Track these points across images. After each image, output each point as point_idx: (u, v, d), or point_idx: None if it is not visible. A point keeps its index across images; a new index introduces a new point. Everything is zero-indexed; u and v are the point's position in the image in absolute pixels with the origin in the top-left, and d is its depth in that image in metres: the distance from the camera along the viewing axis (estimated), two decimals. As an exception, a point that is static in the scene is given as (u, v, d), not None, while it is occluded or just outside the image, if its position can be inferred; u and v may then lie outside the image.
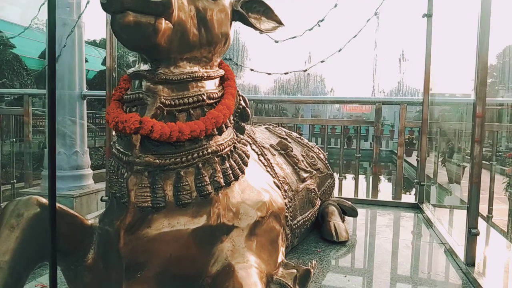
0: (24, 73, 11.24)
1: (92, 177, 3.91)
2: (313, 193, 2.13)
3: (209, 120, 1.26)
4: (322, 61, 3.21)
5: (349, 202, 2.49)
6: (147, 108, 1.17)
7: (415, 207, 3.03)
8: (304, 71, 3.40)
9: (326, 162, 2.53)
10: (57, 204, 1.27)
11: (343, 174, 3.54)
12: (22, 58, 12.70)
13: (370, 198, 3.32)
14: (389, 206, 3.10)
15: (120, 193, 1.20)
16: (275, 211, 1.53)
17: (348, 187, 3.54)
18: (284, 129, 2.50)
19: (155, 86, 1.21)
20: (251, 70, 3.33)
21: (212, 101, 1.34)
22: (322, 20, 3.14)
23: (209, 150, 1.30)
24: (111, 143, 1.38)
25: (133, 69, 1.30)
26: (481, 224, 2.50)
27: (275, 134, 2.32)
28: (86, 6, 3.43)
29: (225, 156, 1.37)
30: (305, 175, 2.10)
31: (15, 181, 3.64)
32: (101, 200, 2.18)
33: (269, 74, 3.21)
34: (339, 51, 3.19)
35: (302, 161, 2.19)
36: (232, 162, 1.40)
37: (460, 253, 1.93)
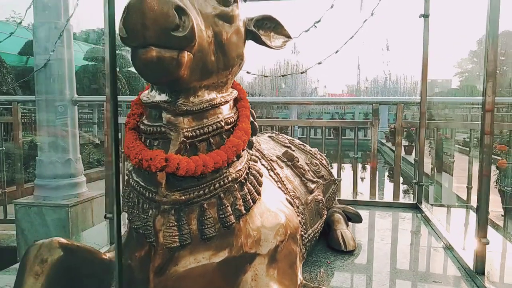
0: (4, 71, 10.87)
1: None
2: (321, 203, 2.12)
3: (230, 149, 1.23)
4: (319, 63, 3.19)
5: (353, 209, 2.50)
6: (171, 144, 1.14)
7: (414, 207, 3.06)
8: (302, 73, 3.37)
9: (329, 168, 2.52)
10: (74, 242, 1.24)
11: (339, 179, 3.54)
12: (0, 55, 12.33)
13: (368, 199, 3.31)
14: (388, 207, 3.12)
15: (144, 231, 1.17)
16: (293, 232, 1.51)
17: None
18: (286, 136, 2.47)
19: (176, 118, 1.17)
20: (248, 72, 3.29)
21: (229, 126, 1.31)
22: (318, 21, 3.11)
23: (230, 178, 1.27)
24: (127, 171, 1.33)
25: (146, 96, 1.25)
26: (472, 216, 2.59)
27: (279, 143, 2.29)
28: (74, 9, 3.32)
29: (243, 181, 1.34)
30: (312, 186, 2.08)
31: (6, 191, 3.55)
32: (105, 218, 2.13)
33: (266, 76, 3.18)
34: (336, 52, 3.16)
35: (308, 171, 2.17)
36: (250, 186, 1.37)
37: (467, 259, 1.96)
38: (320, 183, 2.21)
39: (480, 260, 1.82)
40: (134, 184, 1.24)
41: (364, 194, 3.81)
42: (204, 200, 1.20)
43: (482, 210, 1.80)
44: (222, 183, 1.24)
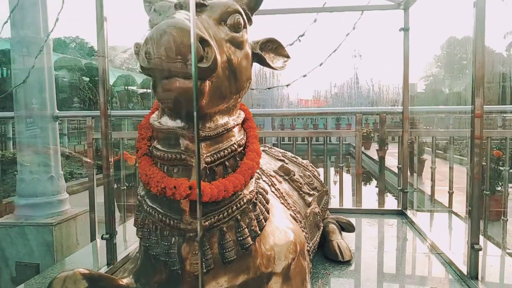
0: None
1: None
2: (318, 216, 2.16)
3: (246, 172, 1.25)
4: (304, 76, 3.25)
5: (346, 218, 2.56)
6: (192, 170, 1.15)
7: (400, 214, 3.16)
8: (287, 85, 3.43)
9: (321, 179, 2.56)
10: (93, 271, 1.23)
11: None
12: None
13: (354, 207, 3.39)
14: (374, 214, 3.21)
15: (166, 259, 1.17)
16: (302, 248, 1.55)
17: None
18: (278, 149, 2.51)
19: (194, 144, 1.18)
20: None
21: (241, 148, 1.34)
22: (302, 35, 3.18)
23: (245, 200, 1.29)
24: (139, 197, 1.33)
25: (158, 122, 1.27)
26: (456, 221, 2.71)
27: (273, 157, 2.32)
28: (55, 24, 3.25)
29: (255, 201, 1.37)
30: (309, 199, 2.12)
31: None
32: (102, 238, 2.09)
33: (252, 89, 3.20)
34: (320, 65, 3.24)
35: (304, 184, 2.21)
36: (260, 206, 1.40)
37: (459, 264, 2.05)
38: (315, 195, 2.26)
39: (474, 265, 1.90)
40: (150, 210, 1.24)
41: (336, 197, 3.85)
42: (223, 224, 1.21)
43: (474, 217, 1.89)
44: (238, 205, 1.26)
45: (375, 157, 12.38)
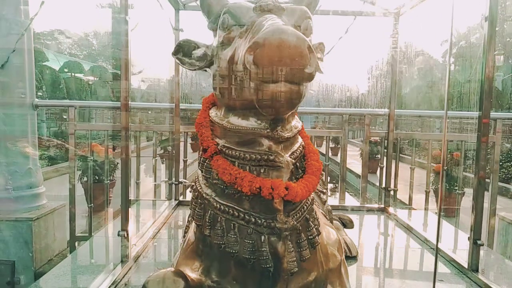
0: None
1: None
2: (331, 213, 2.26)
3: (316, 172, 1.31)
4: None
5: (347, 215, 2.68)
6: (282, 171, 1.18)
7: (382, 210, 3.35)
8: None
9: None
10: (177, 270, 1.22)
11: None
12: None
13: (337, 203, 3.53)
14: (358, 210, 3.38)
15: (252, 256, 1.18)
16: (342, 244, 1.63)
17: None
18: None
19: (277, 145, 1.22)
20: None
21: (303, 149, 1.38)
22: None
23: (310, 200, 1.34)
24: (205, 194, 1.33)
25: (229, 122, 1.28)
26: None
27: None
28: (40, 7, 3.07)
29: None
30: (324, 197, 2.21)
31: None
32: (118, 235, 2.04)
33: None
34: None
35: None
36: (314, 206, 1.46)
37: (456, 257, 2.25)
38: (327, 193, 2.35)
39: (475, 258, 2.09)
40: (224, 208, 1.25)
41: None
42: (299, 223, 1.26)
43: (477, 214, 2.07)
44: (307, 204, 1.31)
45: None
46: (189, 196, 3.53)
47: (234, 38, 1.26)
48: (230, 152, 1.26)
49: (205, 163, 1.37)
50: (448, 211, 4.75)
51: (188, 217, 1.96)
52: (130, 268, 2.08)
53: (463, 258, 2.19)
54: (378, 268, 2.26)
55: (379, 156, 8.55)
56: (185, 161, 3.55)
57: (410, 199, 3.55)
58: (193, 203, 1.40)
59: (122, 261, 2.07)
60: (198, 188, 1.39)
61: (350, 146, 4.25)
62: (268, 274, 1.18)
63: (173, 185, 3.39)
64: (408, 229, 2.88)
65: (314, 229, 1.30)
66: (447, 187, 4.57)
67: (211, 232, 1.28)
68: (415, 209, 3.54)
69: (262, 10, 1.23)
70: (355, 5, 3.34)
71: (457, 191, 3.86)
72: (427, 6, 3.04)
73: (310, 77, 1.06)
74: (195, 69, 1.53)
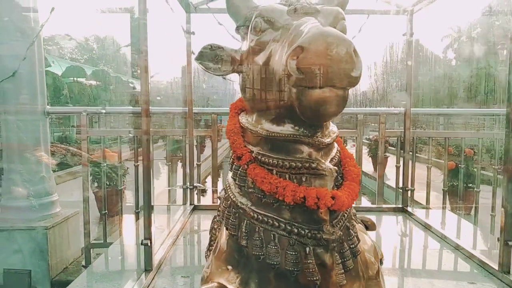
0: None
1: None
2: (355, 216, 2.21)
3: (356, 179, 1.26)
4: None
5: (368, 217, 2.63)
6: (326, 180, 1.14)
7: (401, 210, 3.31)
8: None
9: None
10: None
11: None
12: None
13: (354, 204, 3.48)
14: (375, 211, 3.34)
15: (295, 268, 1.14)
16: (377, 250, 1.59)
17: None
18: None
19: (318, 152, 1.18)
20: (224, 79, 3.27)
21: (339, 154, 1.34)
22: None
23: (349, 208, 1.30)
24: (240, 203, 1.29)
25: (263, 129, 1.25)
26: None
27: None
28: (50, 14, 3.04)
29: None
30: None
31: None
32: (141, 244, 2.00)
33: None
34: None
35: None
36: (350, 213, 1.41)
37: (486, 259, 2.20)
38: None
39: (507, 260, 2.04)
40: (263, 218, 1.21)
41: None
42: (341, 232, 1.22)
43: (508, 214, 2.03)
44: (347, 212, 1.27)
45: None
46: (204, 200, 3.50)
47: (268, 42, 1.22)
48: (266, 159, 1.22)
49: (239, 171, 1.33)
50: (463, 209, 4.70)
51: (212, 224, 1.93)
52: (153, 277, 2.05)
53: (493, 259, 2.14)
54: (406, 270, 2.22)
55: (386, 154, 8.51)
56: (198, 165, 3.52)
57: (428, 198, 3.51)
58: (226, 212, 1.36)
59: (146, 270, 2.03)
60: (231, 196, 1.35)
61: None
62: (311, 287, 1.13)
63: (188, 190, 3.35)
64: (428, 228, 2.84)
65: (355, 237, 1.26)
66: (464, 185, 4.51)
67: (248, 242, 1.24)
68: (431, 208, 3.49)
69: (297, 12, 1.19)
70: (368, 3, 3.30)
71: (474, 188, 3.82)
72: (440, 4, 3.00)
73: (356, 81, 1.02)
74: (221, 75, 1.49)
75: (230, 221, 1.32)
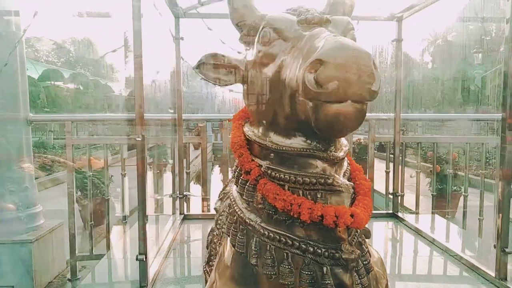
0: None
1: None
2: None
3: (369, 192, 1.23)
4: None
5: (363, 225, 2.62)
6: (343, 196, 1.10)
7: (392, 216, 3.32)
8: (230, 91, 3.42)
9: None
10: None
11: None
12: None
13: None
14: (367, 216, 3.33)
15: None
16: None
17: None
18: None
19: (332, 167, 1.14)
20: (230, 91, 3.22)
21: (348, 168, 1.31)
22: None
23: None
24: (248, 219, 1.24)
25: (273, 142, 1.20)
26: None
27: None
28: (34, 17, 2.93)
29: None
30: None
31: None
32: (137, 259, 1.93)
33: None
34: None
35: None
36: None
37: (481, 265, 2.21)
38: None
39: (503, 267, 2.05)
40: (272, 234, 1.16)
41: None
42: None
43: (504, 221, 2.04)
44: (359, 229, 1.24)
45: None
46: (194, 209, 3.43)
47: (277, 53, 1.18)
48: (277, 174, 1.17)
49: (246, 186, 1.28)
50: (450, 213, 4.78)
51: (210, 236, 1.87)
52: (150, 293, 1.98)
53: (490, 267, 2.14)
54: (402, 276, 2.21)
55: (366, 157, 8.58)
56: (188, 173, 3.45)
57: (417, 203, 3.53)
58: (233, 228, 1.31)
59: (141, 286, 1.96)
60: (238, 212, 1.30)
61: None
62: None
63: (178, 199, 3.28)
64: (419, 234, 2.86)
65: (367, 253, 1.23)
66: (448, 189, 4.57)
67: (258, 261, 1.19)
68: (420, 214, 3.52)
69: (308, 23, 1.16)
70: (357, 10, 3.29)
71: (459, 191, 3.87)
72: (429, 11, 3.02)
73: (376, 95, 0.99)
74: (223, 85, 1.44)
75: (237, 238, 1.27)
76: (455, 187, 4.95)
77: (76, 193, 4.56)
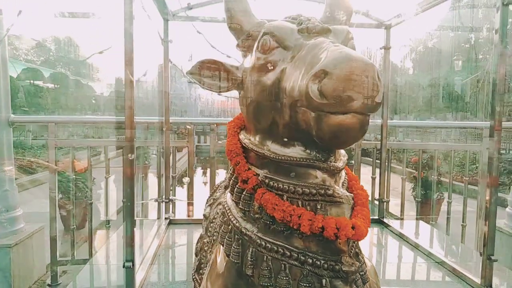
0: None
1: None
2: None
3: (366, 201, 1.23)
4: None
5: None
6: (343, 208, 1.09)
7: (378, 222, 3.34)
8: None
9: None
10: None
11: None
12: None
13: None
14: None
15: None
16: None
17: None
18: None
19: (332, 178, 1.12)
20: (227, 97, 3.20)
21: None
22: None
23: None
24: (244, 229, 1.21)
25: (270, 151, 1.19)
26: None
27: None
28: (18, 16, 2.86)
29: None
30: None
31: None
32: (124, 267, 1.88)
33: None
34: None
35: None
36: None
37: (467, 273, 2.24)
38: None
39: (489, 275, 2.08)
40: (269, 245, 1.14)
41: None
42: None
43: (490, 229, 2.07)
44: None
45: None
46: (179, 214, 3.38)
47: (277, 61, 1.17)
48: (275, 184, 1.16)
49: (243, 195, 1.26)
50: (433, 218, 4.86)
51: (199, 243, 1.84)
52: (137, 301, 1.93)
53: (475, 274, 2.18)
54: (391, 282, 2.23)
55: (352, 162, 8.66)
56: (173, 177, 3.40)
57: (402, 209, 3.56)
58: (227, 238, 1.28)
59: (128, 294, 1.92)
60: (233, 221, 1.27)
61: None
62: None
63: (163, 203, 3.23)
64: (405, 239, 2.89)
65: (364, 264, 1.22)
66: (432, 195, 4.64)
67: (254, 271, 1.17)
68: (404, 219, 3.56)
69: (309, 32, 1.15)
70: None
71: (443, 197, 3.93)
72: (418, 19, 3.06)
73: (378, 107, 0.98)
74: (218, 92, 1.42)
75: (233, 248, 1.24)
76: (437, 193, 5.03)
77: (58, 196, 4.46)
